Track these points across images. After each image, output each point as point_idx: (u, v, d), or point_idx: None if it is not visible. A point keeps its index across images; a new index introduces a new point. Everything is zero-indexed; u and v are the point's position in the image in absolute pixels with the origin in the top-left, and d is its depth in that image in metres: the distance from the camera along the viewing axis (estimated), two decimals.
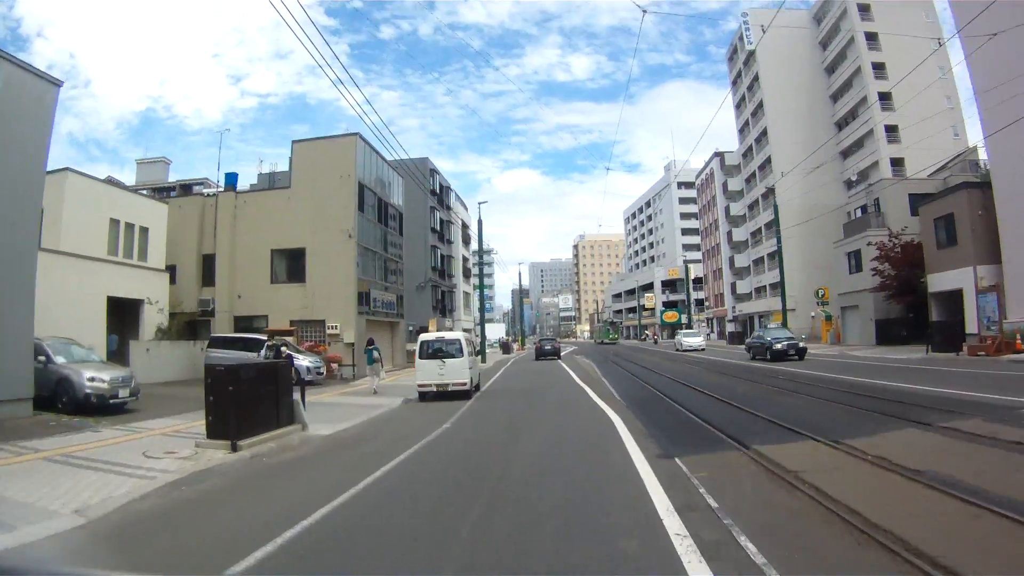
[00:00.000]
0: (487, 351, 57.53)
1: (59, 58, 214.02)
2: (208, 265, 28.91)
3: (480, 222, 37.97)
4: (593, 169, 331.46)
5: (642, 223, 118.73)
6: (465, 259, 53.98)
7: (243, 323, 27.88)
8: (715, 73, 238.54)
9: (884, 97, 48.14)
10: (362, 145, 28.18)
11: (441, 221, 44.05)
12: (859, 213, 40.51)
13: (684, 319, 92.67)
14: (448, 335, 17.65)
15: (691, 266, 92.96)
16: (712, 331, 70.25)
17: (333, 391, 19.79)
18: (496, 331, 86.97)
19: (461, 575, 3.97)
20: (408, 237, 37.61)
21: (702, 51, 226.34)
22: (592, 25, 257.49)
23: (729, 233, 64.86)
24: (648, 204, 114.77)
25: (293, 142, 28.52)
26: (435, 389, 16.15)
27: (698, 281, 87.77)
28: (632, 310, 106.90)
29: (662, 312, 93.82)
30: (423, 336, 17.07)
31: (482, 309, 37.16)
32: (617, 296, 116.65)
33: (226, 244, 28.39)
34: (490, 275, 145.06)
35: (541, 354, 42.19)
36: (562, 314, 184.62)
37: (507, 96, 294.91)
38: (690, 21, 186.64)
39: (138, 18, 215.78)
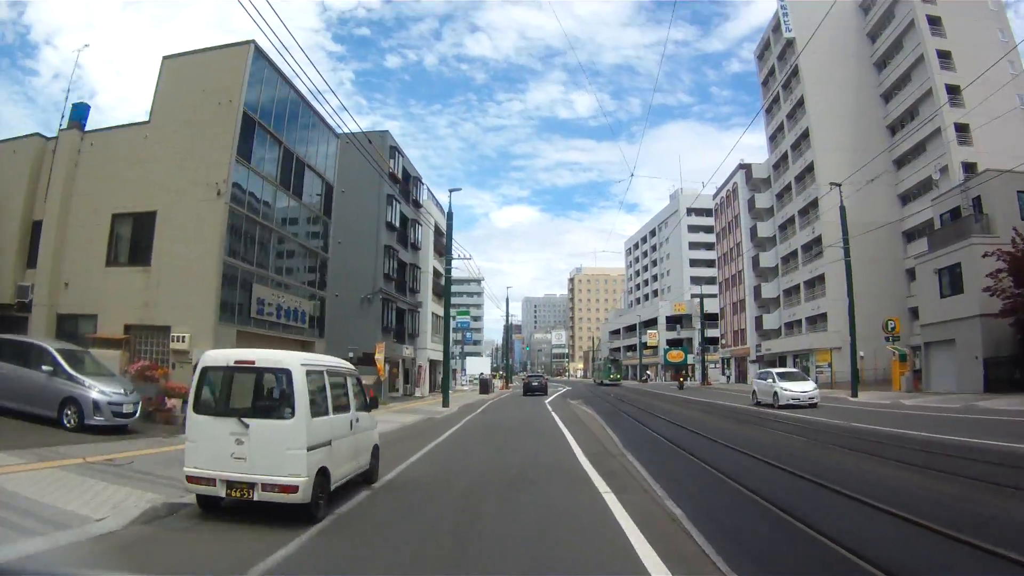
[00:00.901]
0: (458, 389, 48.16)
1: None
2: (36, 237, 18.94)
3: (450, 215, 27.98)
4: (592, 207, 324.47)
5: (645, 254, 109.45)
6: (438, 274, 43.99)
7: (68, 325, 17.82)
8: (717, 115, 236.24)
9: (952, 91, 39.15)
10: (259, 62, 18.48)
11: (403, 218, 34.23)
12: (947, 219, 30.95)
13: (690, 358, 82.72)
14: (304, 360, 7.07)
15: (702, 300, 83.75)
16: (728, 373, 59.95)
17: (127, 448, 9.56)
18: (480, 366, 76.21)
19: None
20: (349, 229, 27.88)
21: (704, 92, 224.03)
22: (596, 63, 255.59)
23: (755, 258, 55.28)
24: (652, 233, 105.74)
25: (164, 58, 18.83)
26: (224, 494, 5.94)
27: (711, 317, 78.06)
28: (631, 348, 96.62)
29: (666, 351, 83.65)
30: (208, 356, 6.74)
31: (446, 329, 26.64)
32: (615, 333, 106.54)
33: (57, 206, 18.46)
34: (478, 306, 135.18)
35: (528, 390, 44.25)
36: (555, 351, 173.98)
37: (508, 131, 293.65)
38: (693, 62, 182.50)
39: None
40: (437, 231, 42.40)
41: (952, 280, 28.33)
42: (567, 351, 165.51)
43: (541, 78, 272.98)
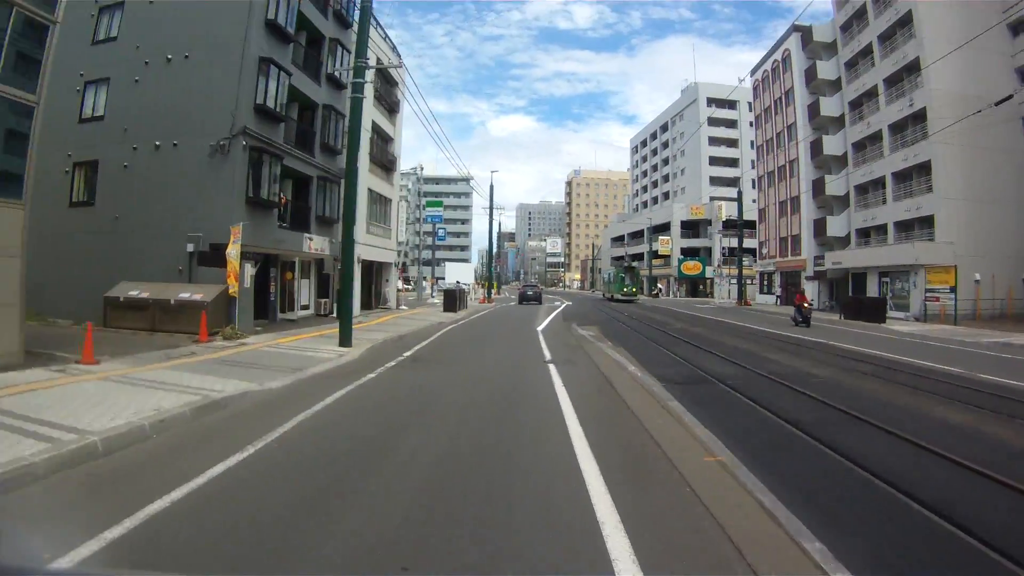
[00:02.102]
0: (420, 305, 36.34)
1: None
2: None
3: (366, 9, 14.83)
4: (589, 118, 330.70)
5: (654, 152, 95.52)
6: (385, 138, 31.09)
7: None
8: (718, 32, 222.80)
9: None
10: None
11: (311, 30, 21.09)
12: None
13: (708, 271, 71.45)
14: None
15: (722, 204, 71.30)
16: (776, 293, 48.29)
17: None
18: (464, 273, 64.32)
19: None
20: (200, 38, 15.17)
21: (706, 8, 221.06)
22: None
23: (815, 144, 42.26)
24: (664, 128, 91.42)
25: None
26: None
27: (735, 225, 65.94)
28: (638, 257, 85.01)
29: (680, 261, 72.19)
30: None
31: (349, 205, 14.05)
32: (618, 240, 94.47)
33: None
34: (466, 207, 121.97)
35: (524, 299, 43.26)
36: (549, 259, 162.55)
37: (506, 40, 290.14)
38: None
39: None
40: (385, 78, 29.09)
41: None
42: (563, 259, 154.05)
43: None
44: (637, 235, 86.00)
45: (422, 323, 22.00)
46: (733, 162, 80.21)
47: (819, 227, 40.45)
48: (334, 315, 18.56)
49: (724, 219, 69.83)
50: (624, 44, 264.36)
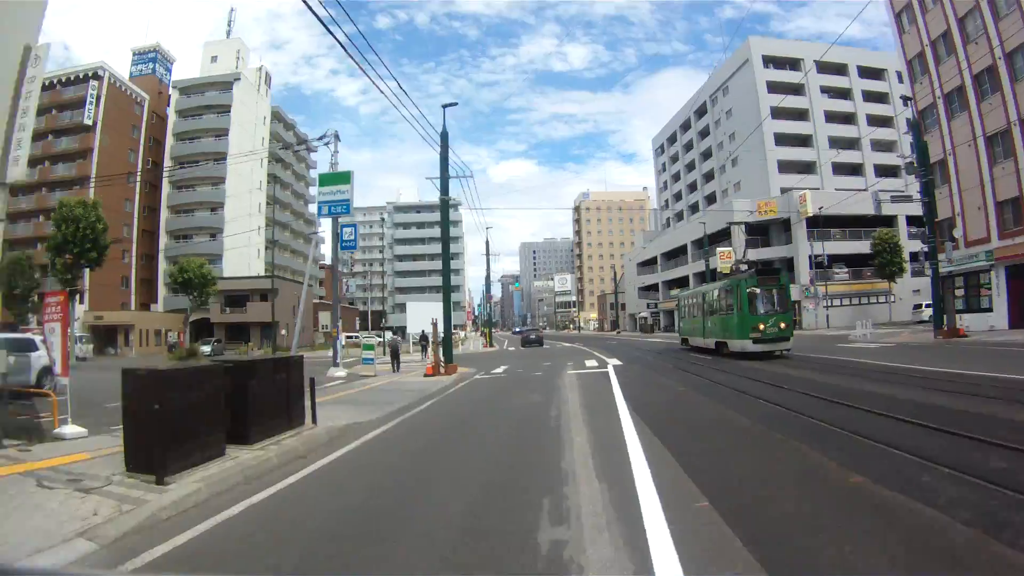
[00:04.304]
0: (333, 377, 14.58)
1: None
2: None
3: None
4: (589, 159, 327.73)
5: (687, 146, 73.81)
6: None
7: None
8: (712, 62, 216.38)
9: None
10: None
11: None
12: None
13: (793, 290, 48.58)
14: None
15: (805, 193, 48.79)
16: (980, 301, 24.99)
17: None
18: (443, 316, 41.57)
19: None
20: None
21: (699, 40, 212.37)
22: (588, 13, 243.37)
23: None
24: (701, 112, 69.89)
25: None
26: None
27: (883, 221, 43.47)
28: (677, 283, 62.16)
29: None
30: None
31: None
32: (648, 265, 71.73)
33: None
34: (456, 239, 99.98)
35: (527, 343, 43.17)
36: (558, 299, 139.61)
37: (502, 85, 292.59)
38: (687, 9, 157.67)
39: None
40: None
41: None
42: (575, 298, 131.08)
43: (534, 31, 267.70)
44: (675, 254, 63.24)
45: None
46: (804, 140, 58.15)
47: None
48: None
49: (810, 214, 47.46)
50: (619, 81, 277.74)
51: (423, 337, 31.56)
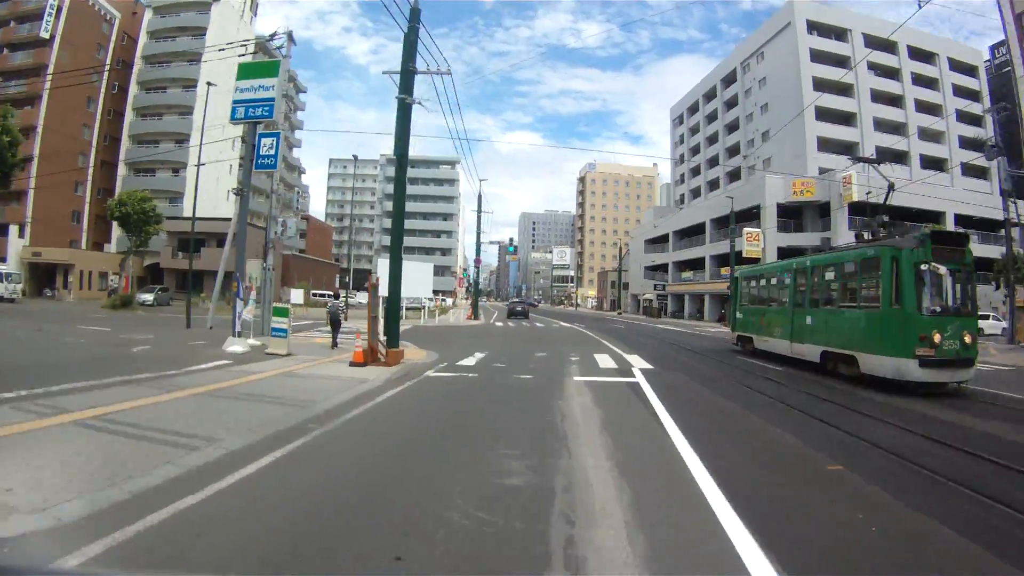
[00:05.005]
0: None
1: None
2: None
3: None
4: (595, 137, 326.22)
5: (710, 118, 67.69)
6: None
7: None
8: (726, 53, 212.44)
9: None
10: None
11: None
12: None
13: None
14: None
15: (850, 174, 43.23)
16: None
17: None
18: (422, 279, 35.43)
19: None
20: None
21: (715, 28, 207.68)
22: None
23: None
24: (728, 80, 63.64)
25: None
26: None
27: (930, 217, 38.02)
28: (692, 264, 56.75)
29: None
30: None
31: None
32: (657, 242, 66.09)
33: None
34: (450, 198, 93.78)
35: (512, 314, 43.24)
36: (556, 272, 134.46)
37: (513, 56, 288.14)
38: None
39: None
40: None
41: None
42: (573, 272, 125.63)
43: (551, 7, 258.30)
44: (690, 233, 57.66)
45: None
46: (847, 119, 52.27)
47: None
48: None
49: (856, 199, 41.99)
50: (631, 63, 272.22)
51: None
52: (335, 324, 15.90)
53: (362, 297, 45.52)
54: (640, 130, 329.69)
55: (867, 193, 41.23)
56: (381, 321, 12.66)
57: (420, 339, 19.65)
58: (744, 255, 44.15)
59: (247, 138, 15.19)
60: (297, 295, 31.84)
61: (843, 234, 43.12)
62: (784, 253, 46.02)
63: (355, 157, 30.21)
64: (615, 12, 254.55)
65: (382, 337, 12.19)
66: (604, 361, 14.54)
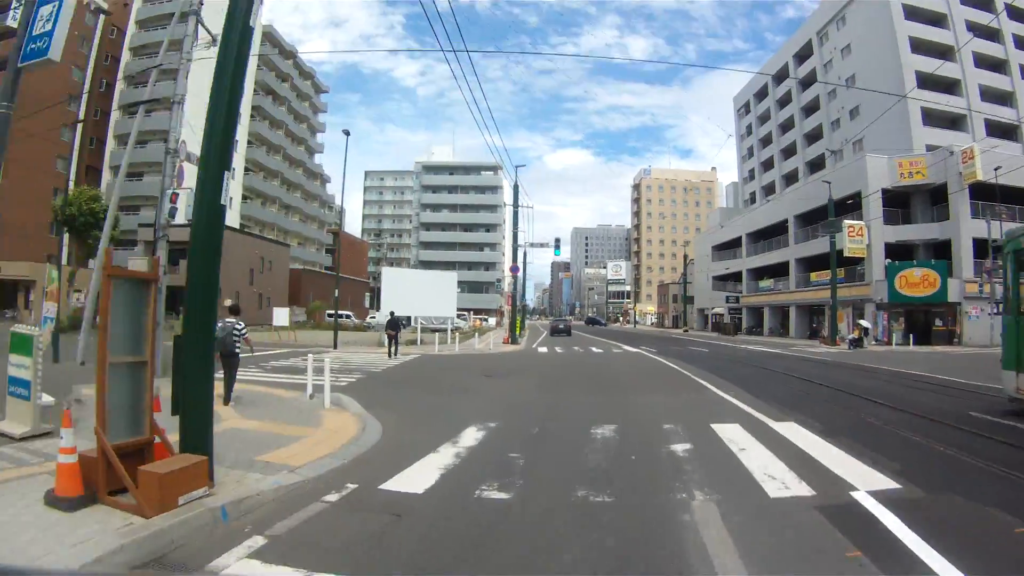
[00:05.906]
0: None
1: None
2: None
3: None
4: (645, 152, 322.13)
5: (782, 102, 58.96)
6: None
7: None
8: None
9: None
10: None
11: None
12: None
13: (953, 287, 34.23)
14: None
15: (972, 148, 34.00)
16: None
17: None
18: (443, 299, 28.08)
19: None
20: None
21: (759, 38, 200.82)
22: (649, 5, 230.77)
23: None
24: (802, 56, 54.95)
25: None
26: None
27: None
28: (765, 272, 47.97)
29: (891, 270, 34.71)
30: None
31: None
32: (726, 247, 57.42)
33: None
34: (494, 207, 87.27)
35: (556, 332, 42.37)
36: (611, 288, 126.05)
37: (560, 74, 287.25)
38: (747, 7, 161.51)
39: None
40: None
41: None
42: (629, 288, 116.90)
43: (596, 22, 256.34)
44: (768, 234, 48.90)
45: None
46: (949, 87, 42.92)
47: None
48: None
49: (980, 177, 32.81)
50: (678, 76, 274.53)
51: (391, 323, 19.43)
52: (228, 366, 9.05)
53: (381, 317, 39.22)
54: (690, 143, 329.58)
55: (996, 168, 32.24)
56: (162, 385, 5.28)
57: (398, 383, 12.52)
58: (846, 254, 35.36)
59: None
60: (281, 315, 25.44)
61: (967, 223, 33.99)
62: (893, 251, 36.98)
63: (346, 132, 23.78)
64: (660, 26, 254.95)
65: (164, 423, 4.94)
66: (750, 452, 5.97)
